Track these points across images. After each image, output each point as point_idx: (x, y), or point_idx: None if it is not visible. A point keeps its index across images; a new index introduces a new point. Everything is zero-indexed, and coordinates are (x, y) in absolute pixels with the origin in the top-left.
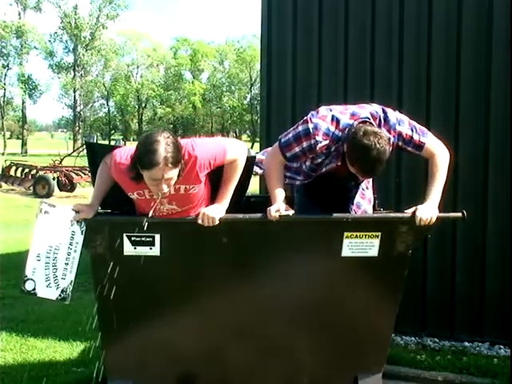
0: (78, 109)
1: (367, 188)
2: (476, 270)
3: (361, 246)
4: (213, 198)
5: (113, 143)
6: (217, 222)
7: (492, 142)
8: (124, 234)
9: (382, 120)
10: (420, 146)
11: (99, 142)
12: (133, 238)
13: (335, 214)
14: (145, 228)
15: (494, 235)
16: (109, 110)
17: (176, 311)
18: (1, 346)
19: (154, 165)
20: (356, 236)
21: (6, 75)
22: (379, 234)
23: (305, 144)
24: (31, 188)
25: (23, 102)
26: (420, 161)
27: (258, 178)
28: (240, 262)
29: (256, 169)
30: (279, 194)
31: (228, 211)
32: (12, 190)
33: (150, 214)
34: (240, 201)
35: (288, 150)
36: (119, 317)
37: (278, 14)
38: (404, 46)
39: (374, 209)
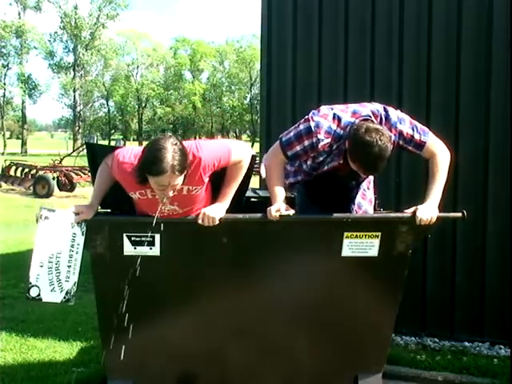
0: (78, 109)
1: (368, 188)
2: (476, 269)
3: (361, 246)
4: (214, 198)
5: (113, 143)
6: (217, 222)
7: (492, 142)
8: (124, 234)
9: (383, 118)
10: (421, 146)
11: (99, 142)
12: (133, 238)
13: (335, 214)
14: (153, 226)
15: (493, 235)
16: (109, 110)
17: (176, 311)
18: (1, 346)
19: (162, 172)
20: (356, 236)
21: (5, 75)
22: (379, 234)
23: (306, 142)
24: (31, 188)
25: (23, 102)
26: (420, 161)
27: (258, 177)
28: (240, 262)
29: (262, 173)
30: (279, 194)
31: (228, 211)
32: (12, 189)
33: (156, 215)
34: (240, 201)
35: (289, 149)
36: (119, 317)
37: (277, 13)
38: (404, 46)
39: (374, 209)
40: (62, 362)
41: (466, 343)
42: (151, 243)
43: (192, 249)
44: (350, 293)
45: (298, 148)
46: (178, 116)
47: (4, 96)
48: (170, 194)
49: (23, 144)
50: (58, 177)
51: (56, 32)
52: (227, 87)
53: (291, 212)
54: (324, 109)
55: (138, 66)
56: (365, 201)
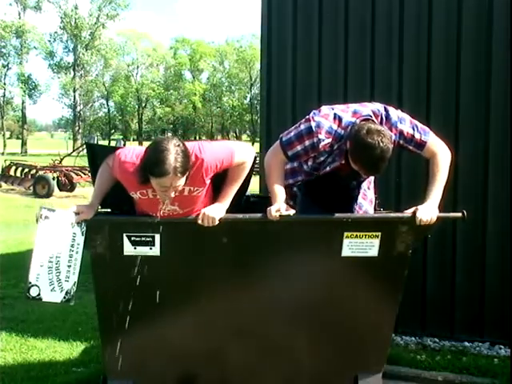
0: (78, 109)
1: (369, 188)
2: (476, 269)
3: (361, 246)
4: (214, 198)
5: (113, 143)
6: (217, 222)
7: (492, 142)
8: (124, 234)
9: (384, 118)
10: (421, 145)
11: (99, 142)
12: (133, 238)
13: (335, 214)
14: (155, 226)
15: (493, 235)
16: (109, 110)
17: (176, 311)
18: (1, 346)
19: (164, 174)
20: (356, 236)
21: (5, 75)
22: (379, 234)
23: (307, 142)
24: (31, 188)
25: (23, 102)
26: (420, 160)
27: (258, 177)
28: (240, 262)
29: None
30: (279, 194)
31: (228, 211)
32: (12, 189)
33: (159, 215)
34: (240, 201)
35: (290, 149)
36: (119, 317)
37: (278, 13)
38: (404, 46)
39: (375, 209)
40: (62, 361)
41: (466, 343)
42: (151, 243)
43: (192, 249)
44: (350, 293)
45: (298, 148)
46: (177, 116)
47: (4, 96)
48: (172, 194)
49: (23, 144)
50: (57, 177)
51: (56, 32)
52: (227, 87)
53: (291, 212)
54: (325, 109)
55: (138, 66)
56: (365, 201)
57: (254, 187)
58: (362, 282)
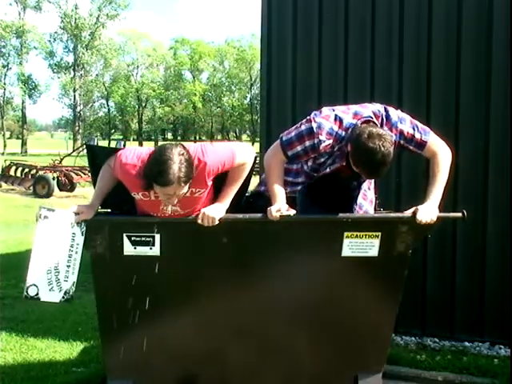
0: (78, 109)
1: (369, 189)
2: (476, 269)
3: (361, 246)
4: (215, 199)
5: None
6: (217, 222)
7: (492, 142)
8: (124, 234)
9: (384, 118)
10: (422, 145)
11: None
12: (133, 238)
13: (335, 214)
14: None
15: (494, 235)
16: (109, 110)
17: (176, 311)
18: (1, 346)
19: (168, 184)
20: (356, 236)
21: (5, 75)
22: (379, 234)
23: (307, 143)
24: (31, 188)
25: (23, 102)
26: (420, 160)
27: (258, 177)
28: (240, 262)
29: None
30: (280, 194)
31: (228, 211)
32: (12, 189)
33: (160, 215)
34: (240, 201)
35: (290, 149)
36: (119, 317)
37: (277, 13)
38: (404, 46)
39: (375, 209)
40: (62, 361)
41: (466, 343)
42: (151, 243)
43: (192, 249)
44: (350, 293)
45: (298, 148)
46: (177, 116)
47: (4, 96)
48: (176, 201)
49: (23, 144)
50: (58, 177)
51: (56, 32)
52: (227, 87)
53: (292, 212)
54: (326, 110)
55: (137, 66)
56: (366, 201)
57: (253, 187)
58: (362, 282)
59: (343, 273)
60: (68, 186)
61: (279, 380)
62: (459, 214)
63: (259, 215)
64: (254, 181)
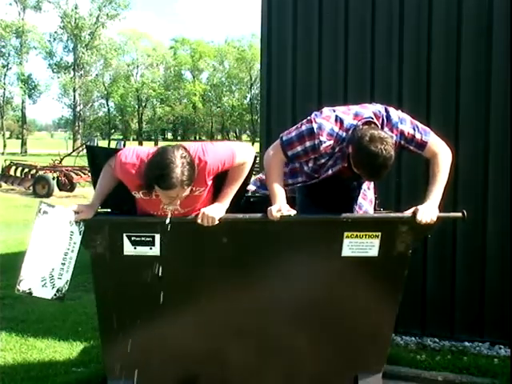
0: (78, 108)
1: (369, 189)
2: (476, 269)
3: (361, 246)
4: (214, 198)
5: (113, 143)
6: (216, 222)
7: (492, 142)
8: (124, 234)
9: (385, 119)
10: (422, 145)
11: (99, 142)
12: (133, 238)
13: (335, 214)
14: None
15: (493, 235)
16: (108, 110)
17: (176, 311)
18: (1, 346)
19: (171, 188)
20: (356, 236)
21: (5, 75)
22: (379, 234)
23: (308, 144)
24: (31, 188)
25: (23, 102)
26: (420, 160)
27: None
28: (240, 262)
29: (250, 187)
30: (280, 194)
31: (228, 211)
32: (12, 189)
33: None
34: (240, 201)
35: (290, 149)
36: (119, 317)
37: (277, 13)
38: (404, 46)
39: (374, 209)
40: (62, 361)
41: (466, 343)
42: (151, 243)
43: (192, 249)
44: (350, 293)
45: (298, 148)
46: (177, 116)
47: (4, 96)
48: (178, 204)
49: (23, 144)
50: (57, 177)
51: (56, 32)
52: (227, 87)
53: (292, 212)
54: (326, 111)
55: (137, 66)
56: (365, 201)
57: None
58: (362, 281)
59: (343, 273)
60: (68, 185)
61: (279, 380)
62: (459, 214)
63: (259, 215)
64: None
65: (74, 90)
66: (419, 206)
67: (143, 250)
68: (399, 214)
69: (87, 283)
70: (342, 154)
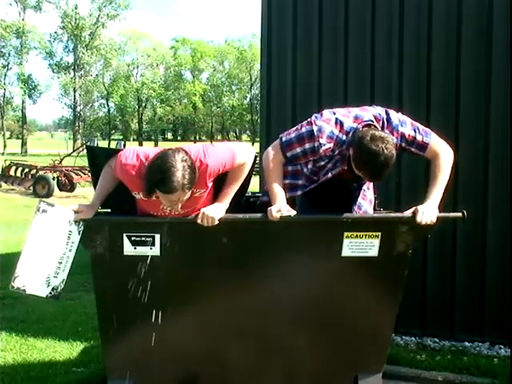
0: (78, 109)
1: (368, 189)
2: (476, 269)
3: (361, 246)
4: (214, 198)
5: (113, 144)
6: (216, 222)
7: (492, 142)
8: (124, 234)
9: (385, 122)
10: (423, 147)
11: (99, 142)
12: (133, 238)
13: (335, 214)
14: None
15: (493, 235)
16: (109, 110)
17: (176, 311)
18: (1, 346)
19: (172, 192)
20: (356, 236)
21: (5, 75)
22: (379, 234)
23: (307, 145)
24: (31, 188)
25: (23, 102)
26: (420, 161)
27: (258, 178)
28: (240, 262)
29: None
30: (279, 194)
31: (228, 211)
32: (12, 189)
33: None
34: (240, 201)
35: (289, 150)
36: (119, 317)
37: (277, 13)
38: (404, 46)
39: (374, 209)
40: (62, 361)
41: (466, 343)
42: (151, 243)
43: (192, 249)
44: (350, 293)
45: (297, 150)
46: (177, 116)
47: (4, 96)
48: (179, 207)
49: (23, 144)
50: (57, 177)
51: (56, 32)
52: (227, 87)
53: (292, 213)
54: (326, 113)
55: (137, 66)
56: (365, 201)
57: (254, 187)
58: (362, 281)
59: (343, 273)
60: (68, 186)
61: (279, 380)
62: (459, 214)
63: (259, 215)
64: (254, 181)
65: (74, 90)
66: (419, 206)
67: (143, 250)
68: (399, 214)
69: (87, 283)
70: (342, 157)
